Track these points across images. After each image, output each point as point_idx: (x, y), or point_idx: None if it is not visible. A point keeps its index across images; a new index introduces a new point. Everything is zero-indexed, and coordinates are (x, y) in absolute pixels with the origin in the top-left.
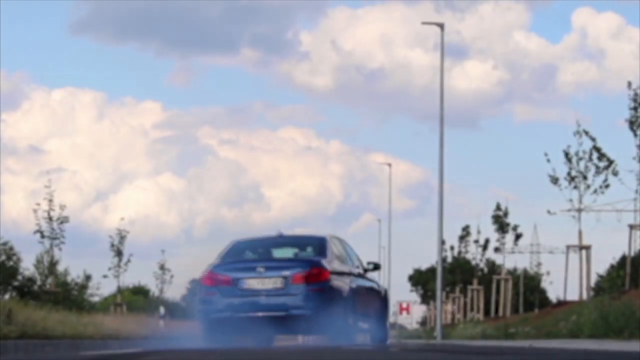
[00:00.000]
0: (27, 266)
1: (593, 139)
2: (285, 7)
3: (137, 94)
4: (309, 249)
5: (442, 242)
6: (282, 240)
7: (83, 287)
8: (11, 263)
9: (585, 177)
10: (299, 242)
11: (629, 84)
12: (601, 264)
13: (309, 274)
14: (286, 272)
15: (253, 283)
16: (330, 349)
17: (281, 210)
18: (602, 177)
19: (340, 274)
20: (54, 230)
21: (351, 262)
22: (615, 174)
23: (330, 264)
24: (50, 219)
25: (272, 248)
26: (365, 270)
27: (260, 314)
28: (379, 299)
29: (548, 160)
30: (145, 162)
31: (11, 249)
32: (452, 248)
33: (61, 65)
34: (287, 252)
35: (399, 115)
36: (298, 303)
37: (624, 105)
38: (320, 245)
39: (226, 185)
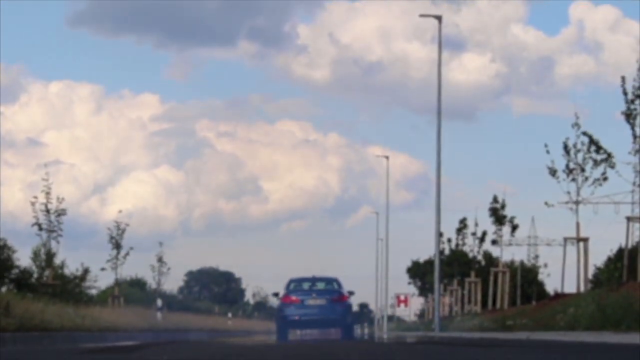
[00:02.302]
0: (24, 258)
1: (589, 136)
2: (283, 0)
3: (135, 86)
4: (334, 284)
5: (440, 235)
6: (316, 279)
7: (81, 279)
8: (4, 256)
9: (583, 170)
10: (325, 280)
11: (623, 80)
12: (599, 256)
13: (339, 297)
14: (327, 296)
15: (311, 302)
16: (338, 342)
17: (279, 203)
18: (600, 169)
19: (348, 297)
20: (51, 222)
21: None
22: (612, 166)
23: (345, 292)
24: (47, 211)
25: (314, 282)
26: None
27: (315, 317)
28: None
29: (547, 152)
30: (143, 154)
31: (1, 240)
32: (449, 240)
33: (59, 58)
34: (322, 285)
35: (397, 108)
36: (334, 312)
37: (622, 98)
38: (338, 282)
39: (224, 177)
